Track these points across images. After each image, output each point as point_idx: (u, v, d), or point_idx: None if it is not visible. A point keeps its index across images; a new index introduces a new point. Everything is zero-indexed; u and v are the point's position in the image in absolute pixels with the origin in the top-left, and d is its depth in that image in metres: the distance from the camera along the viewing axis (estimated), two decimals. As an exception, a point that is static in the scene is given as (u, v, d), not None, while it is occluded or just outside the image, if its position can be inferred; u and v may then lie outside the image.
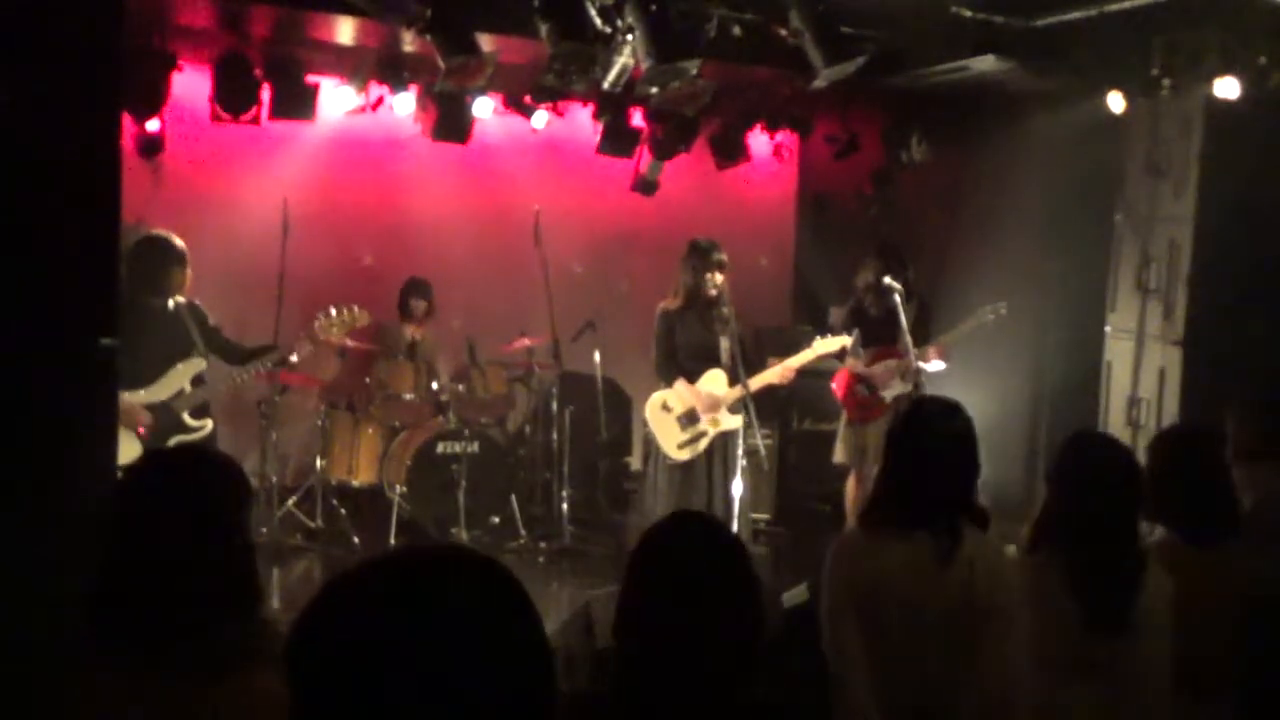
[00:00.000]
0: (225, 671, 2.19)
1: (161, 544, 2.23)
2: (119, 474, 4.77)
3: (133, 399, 5.27)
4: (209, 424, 5.63)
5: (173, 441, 5.40)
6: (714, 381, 6.10)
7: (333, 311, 6.04)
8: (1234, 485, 3.42)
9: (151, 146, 7.08)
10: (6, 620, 3.39)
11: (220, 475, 2.34)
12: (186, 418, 5.54)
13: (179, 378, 5.52)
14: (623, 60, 5.69)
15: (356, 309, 6.07)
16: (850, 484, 6.79)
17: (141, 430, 5.39)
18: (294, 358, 6.01)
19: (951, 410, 3.19)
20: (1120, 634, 2.96)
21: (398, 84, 7.14)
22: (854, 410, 6.79)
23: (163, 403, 5.46)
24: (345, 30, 6.56)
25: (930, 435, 3.09)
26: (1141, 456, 3.47)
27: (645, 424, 6.41)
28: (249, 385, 6.04)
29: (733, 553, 2.12)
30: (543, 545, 7.24)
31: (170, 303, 5.55)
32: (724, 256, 6.16)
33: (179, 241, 5.56)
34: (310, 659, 1.20)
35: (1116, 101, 6.72)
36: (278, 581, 6.36)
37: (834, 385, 6.89)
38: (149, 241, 5.50)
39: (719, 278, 6.10)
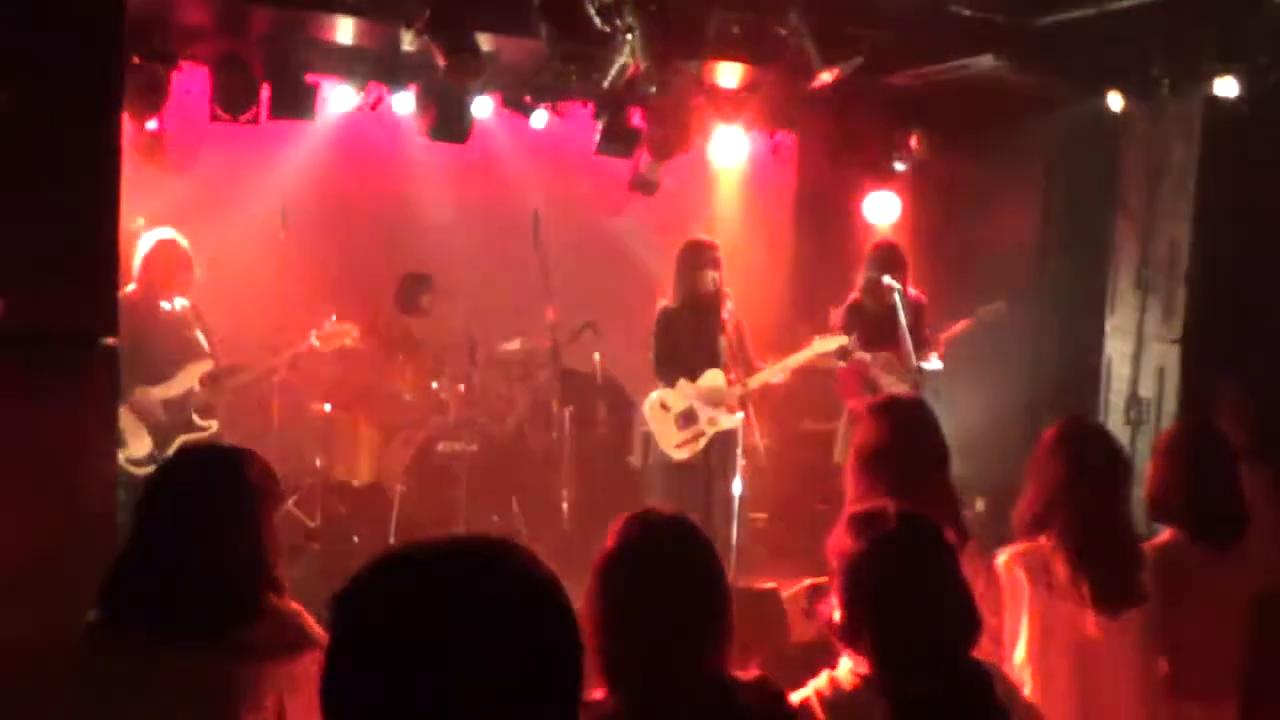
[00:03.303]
0: (273, 654, 2.27)
1: (188, 536, 2.29)
2: (132, 468, 4.87)
3: (153, 395, 5.38)
4: (214, 424, 5.71)
5: (181, 440, 5.48)
6: (713, 381, 6.10)
7: (328, 323, 6.21)
8: (1241, 484, 3.41)
9: (151, 146, 7.08)
10: (9, 618, 3.40)
11: (249, 471, 2.40)
12: (195, 417, 5.61)
13: (189, 377, 5.61)
14: (622, 60, 5.69)
15: (348, 325, 6.26)
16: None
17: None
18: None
19: (918, 404, 3.27)
20: (1122, 614, 2.98)
21: (398, 84, 7.14)
22: (858, 410, 6.79)
23: (175, 400, 5.54)
24: (345, 30, 6.56)
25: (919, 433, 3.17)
26: (1143, 456, 3.47)
27: (644, 423, 6.41)
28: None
29: (691, 544, 2.15)
30: (543, 545, 7.23)
31: (177, 303, 5.63)
32: (718, 254, 6.17)
33: (185, 242, 5.68)
34: (354, 626, 1.24)
35: (1116, 101, 6.72)
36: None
37: (838, 385, 6.89)
38: (167, 244, 5.61)
39: (714, 275, 6.10)
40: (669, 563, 2.10)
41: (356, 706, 1.20)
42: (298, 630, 2.40)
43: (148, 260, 5.52)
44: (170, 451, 5.37)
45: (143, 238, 5.60)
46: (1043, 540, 3.05)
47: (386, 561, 1.27)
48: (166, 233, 5.70)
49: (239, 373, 5.93)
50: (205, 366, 5.68)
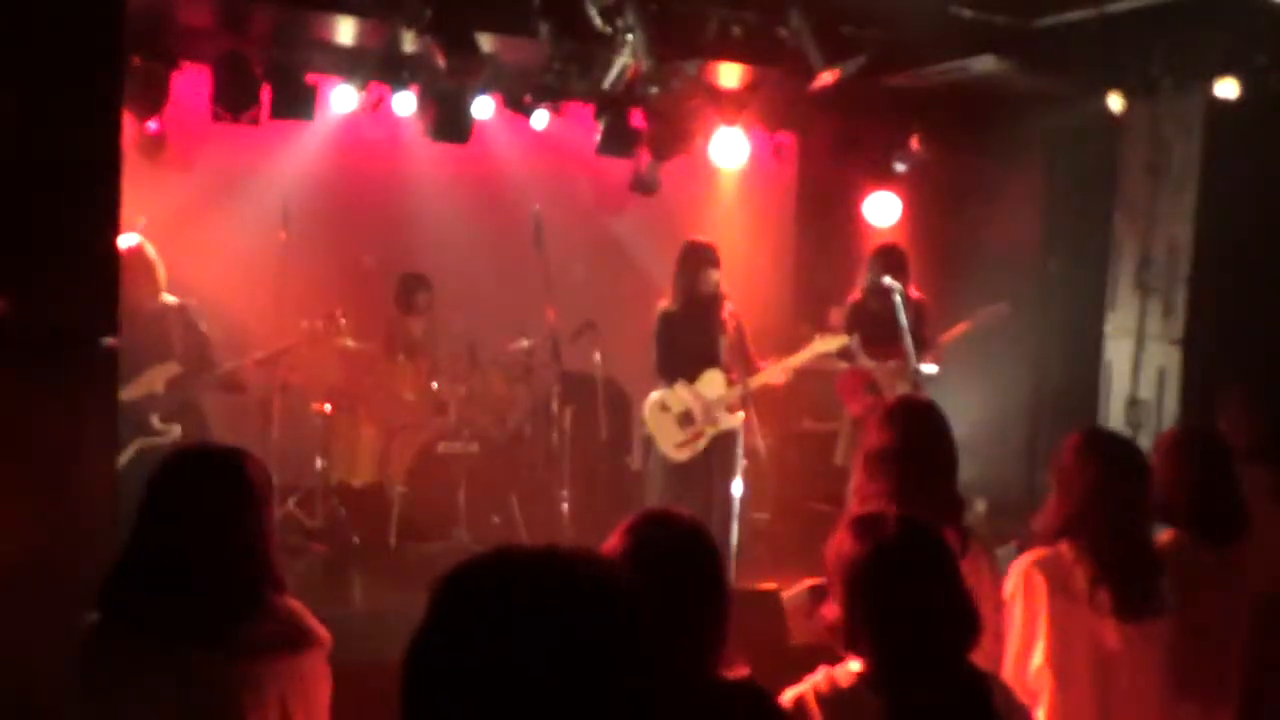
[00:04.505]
0: (276, 652, 2.32)
1: (190, 535, 2.30)
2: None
3: None
4: (177, 429, 5.59)
5: (137, 445, 5.37)
6: (713, 382, 6.10)
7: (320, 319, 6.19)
8: (1242, 485, 3.41)
9: (151, 146, 7.08)
10: (9, 619, 3.40)
11: (245, 469, 2.41)
12: (154, 421, 5.50)
13: (150, 380, 5.50)
14: (623, 60, 5.70)
15: (336, 320, 6.22)
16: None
17: None
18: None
19: (930, 407, 3.25)
20: (1144, 623, 2.97)
21: (398, 84, 7.14)
22: (859, 411, 6.78)
23: (130, 403, 5.40)
24: (345, 30, 6.57)
25: (922, 434, 3.15)
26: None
27: (644, 424, 6.41)
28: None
29: (696, 543, 2.16)
30: (543, 546, 7.21)
31: (148, 306, 5.54)
32: (718, 255, 6.17)
33: (150, 249, 5.59)
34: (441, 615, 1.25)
35: (1116, 101, 6.72)
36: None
37: (839, 386, 6.88)
38: (131, 251, 5.52)
39: (714, 276, 6.10)
40: (682, 565, 2.11)
41: (435, 689, 1.23)
42: (299, 628, 2.41)
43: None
44: (124, 458, 5.20)
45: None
46: (1063, 547, 3.02)
47: (494, 557, 1.30)
48: (131, 239, 5.59)
49: (208, 373, 5.80)
50: (170, 370, 5.56)
